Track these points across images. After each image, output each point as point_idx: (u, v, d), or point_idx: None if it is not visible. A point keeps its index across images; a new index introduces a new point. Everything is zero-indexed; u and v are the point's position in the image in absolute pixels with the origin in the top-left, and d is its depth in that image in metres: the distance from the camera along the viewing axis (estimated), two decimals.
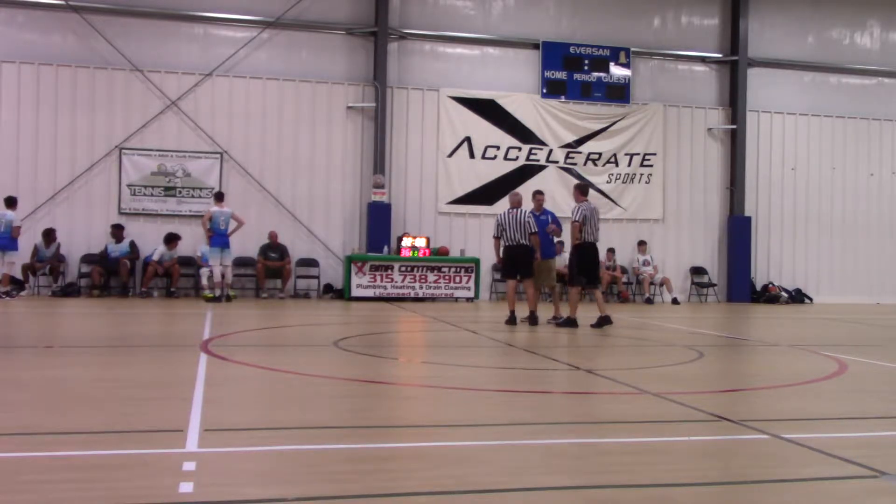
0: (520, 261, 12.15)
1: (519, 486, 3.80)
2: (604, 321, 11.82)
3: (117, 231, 17.06)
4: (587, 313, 12.59)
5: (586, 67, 20.02)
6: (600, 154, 20.07)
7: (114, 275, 17.01)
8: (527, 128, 19.65)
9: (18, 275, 16.35)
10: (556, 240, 13.21)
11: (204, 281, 16.61)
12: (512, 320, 12.04)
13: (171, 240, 17.16)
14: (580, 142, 19.94)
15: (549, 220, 12.73)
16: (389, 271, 17.62)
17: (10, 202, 15.93)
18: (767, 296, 20.45)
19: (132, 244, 17.13)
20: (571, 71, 19.94)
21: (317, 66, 18.69)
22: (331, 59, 18.79)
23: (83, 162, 17.44)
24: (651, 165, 20.45)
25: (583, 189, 12.40)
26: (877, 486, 3.93)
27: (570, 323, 11.82)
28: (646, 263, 19.81)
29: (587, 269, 11.92)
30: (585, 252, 11.87)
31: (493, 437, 4.81)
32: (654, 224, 20.52)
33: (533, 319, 12.14)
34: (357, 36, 18.87)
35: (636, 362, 8.60)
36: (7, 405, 5.46)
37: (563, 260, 16.35)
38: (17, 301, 15.14)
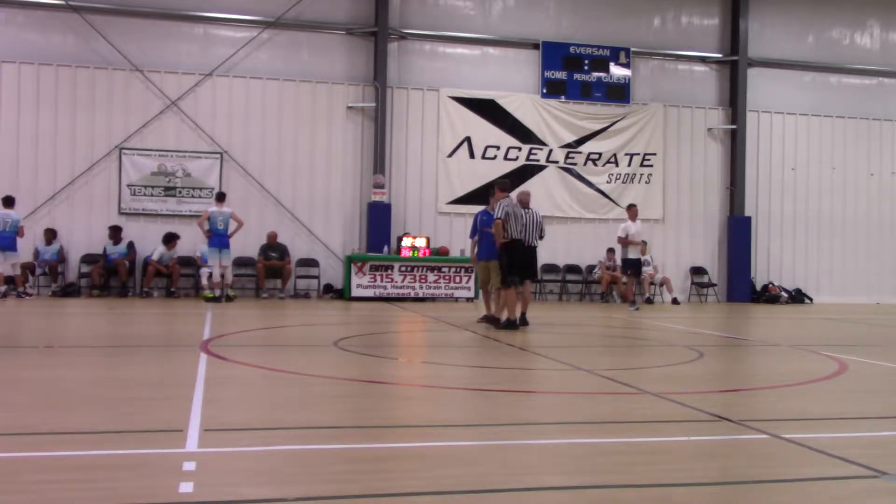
0: (532, 262, 11.84)
1: (519, 486, 3.80)
2: (510, 324, 11.17)
3: (115, 232, 17.07)
4: (532, 311, 12.23)
5: (586, 67, 20.01)
6: (600, 154, 20.06)
7: (113, 275, 17.02)
8: (527, 128, 19.64)
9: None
10: None
11: (204, 281, 16.61)
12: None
13: (170, 239, 17.17)
14: (580, 142, 19.93)
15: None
16: (389, 271, 17.62)
17: (10, 202, 15.91)
18: (767, 296, 20.43)
19: (130, 245, 17.14)
20: (571, 71, 19.94)
21: (317, 66, 18.69)
22: (331, 59, 18.78)
23: (83, 162, 17.44)
24: (651, 165, 20.44)
25: (502, 186, 11.76)
26: (877, 486, 3.92)
27: (510, 325, 11.16)
28: (646, 263, 19.76)
29: (519, 266, 11.31)
30: (514, 250, 11.29)
31: (493, 437, 4.81)
32: (654, 224, 20.49)
33: (523, 321, 11.75)
34: (357, 36, 18.86)
35: (636, 362, 8.60)
36: (7, 405, 5.46)
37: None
38: (18, 301, 15.13)
